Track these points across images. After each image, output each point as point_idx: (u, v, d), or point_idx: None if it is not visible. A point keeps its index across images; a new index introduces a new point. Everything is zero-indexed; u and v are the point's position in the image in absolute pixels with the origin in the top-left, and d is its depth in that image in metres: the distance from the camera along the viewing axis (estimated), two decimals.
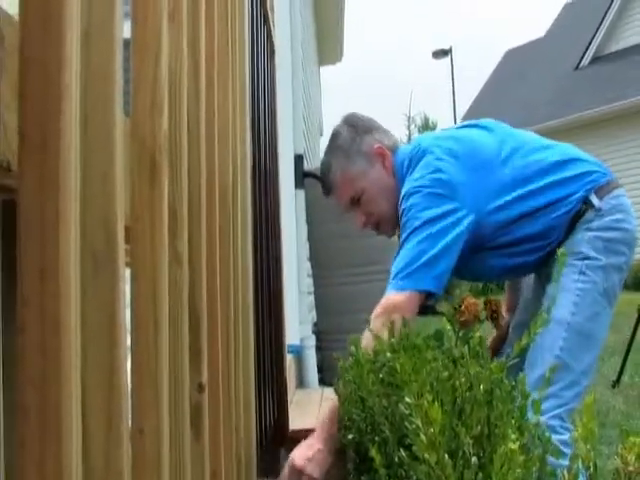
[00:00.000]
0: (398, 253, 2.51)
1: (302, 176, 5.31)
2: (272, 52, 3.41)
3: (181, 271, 1.09)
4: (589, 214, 2.54)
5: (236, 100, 1.78)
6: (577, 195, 2.56)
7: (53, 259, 0.62)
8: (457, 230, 2.49)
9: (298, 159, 5.28)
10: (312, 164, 8.37)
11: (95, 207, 0.73)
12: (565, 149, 2.69)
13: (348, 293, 5.77)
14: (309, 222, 5.71)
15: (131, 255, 0.94)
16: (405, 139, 19.53)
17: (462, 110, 27.50)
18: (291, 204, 5.14)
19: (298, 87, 5.33)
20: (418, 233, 2.48)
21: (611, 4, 22.06)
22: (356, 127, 2.85)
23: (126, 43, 0.89)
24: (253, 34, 2.50)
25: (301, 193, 5.39)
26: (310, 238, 5.86)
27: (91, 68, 0.74)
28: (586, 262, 2.49)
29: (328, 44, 13.50)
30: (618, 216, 2.55)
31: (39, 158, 0.62)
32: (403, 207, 2.56)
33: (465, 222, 2.51)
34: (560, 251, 1.84)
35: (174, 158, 1.01)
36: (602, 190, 2.58)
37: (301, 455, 2.17)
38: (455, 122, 23.11)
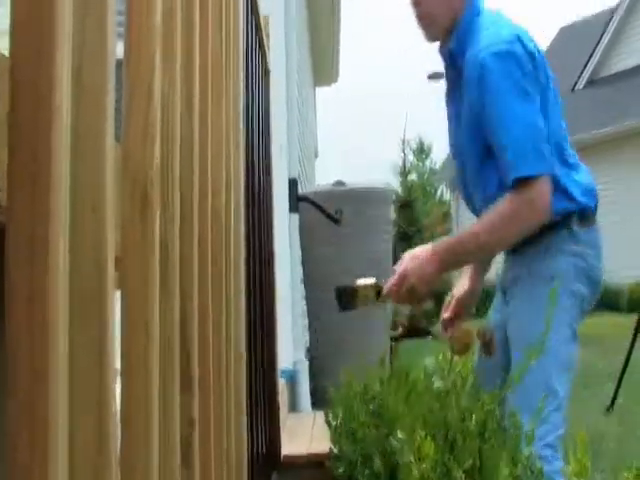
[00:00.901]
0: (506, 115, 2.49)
1: (296, 200, 5.32)
2: (267, 76, 3.42)
3: (172, 302, 1.08)
4: (564, 233, 2.56)
5: (230, 126, 1.77)
6: (575, 202, 2.58)
7: (41, 288, 0.62)
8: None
9: (292, 183, 5.28)
10: (307, 187, 8.38)
11: (85, 237, 0.73)
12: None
13: (342, 317, 5.76)
14: (303, 246, 5.71)
15: (121, 286, 0.94)
16: (400, 163, 19.57)
17: None
18: (285, 227, 5.14)
19: (293, 111, 5.34)
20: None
21: (607, 27, 22.19)
22: None
23: (119, 63, 0.89)
24: (248, 60, 2.51)
25: (295, 217, 5.39)
26: (305, 262, 5.86)
27: (84, 93, 0.74)
28: (555, 283, 2.48)
29: (324, 65, 13.56)
30: (591, 252, 2.59)
31: (29, 190, 0.62)
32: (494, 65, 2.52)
33: None
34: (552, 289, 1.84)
35: (166, 189, 1.00)
36: (586, 219, 2.60)
37: (414, 268, 2.51)
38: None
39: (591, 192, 2.63)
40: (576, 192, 2.57)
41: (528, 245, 2.57)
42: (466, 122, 2.64)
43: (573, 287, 2.53)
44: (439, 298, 13.54)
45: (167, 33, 1.03)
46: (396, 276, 2.58)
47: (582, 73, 22.79)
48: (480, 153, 2.61)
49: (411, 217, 17.32)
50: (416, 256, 2.56)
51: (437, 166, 21.88)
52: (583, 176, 2.64)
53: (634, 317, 6.65)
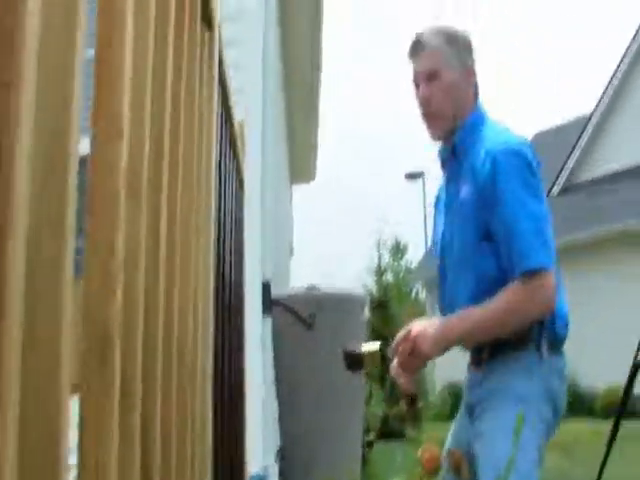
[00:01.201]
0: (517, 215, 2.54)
1: (270, 303, 5.31)
2: (241, 187, 3.46)
3: (132, 435, 1.08)
4: (534, 357, 2.56)
5: (199, 243, 1.79)
6: (553, 322, 2.59)
7: None
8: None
9: (266, 286, 5.28)
10: (282, 285, 8.39)
11: (40, 375, 0.73)
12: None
13: (315, 424, 5.71)
14: (276, 348, 5.68)
15: (79, 419, 0.94)
16: (376, 262, 19.65)
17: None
18: (257, 331, 5.12)
19: (267, 215, 5.39)
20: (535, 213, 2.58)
21: (582, 134, 22.56)
22: (467, 43, 2.88)
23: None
24: (221, 176, 2.54)
25: (268, 320, 5.38)
26: (277, 364, 5.83)
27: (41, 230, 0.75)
28: (524, 405, 2.48)
29: (301, 164, 13.72)
30: (557, 381, 2.60)
31: None
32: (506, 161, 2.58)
33: None
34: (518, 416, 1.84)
35: (128, 330, 1.01)
36: (556, 345, 2.63)
37: (424, 334, 2.58)
38: (426, 246, 23.34)
39: (565, 319, 2.66)
40: (557, 316, 2.60)
41: (498, 363, 2.58)
42: (465, 211, 2.67)
43: (542, 410, 2.53)
44: (412, 400, 13.40)
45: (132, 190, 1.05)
46: (406, 338, 2.65)
47: (557, 179, 23.08)
48: (475, 235, 2.63)
49: (386, 317, 17.28)
50: (425, 325, 2.64)
51: (413, 265, 22.00)
52: (562, 299, 2.66)
53: (608, 423, 6.59)
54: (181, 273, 1.53)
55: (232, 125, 2.93)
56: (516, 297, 2.49)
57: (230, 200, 2.91)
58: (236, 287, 3.22)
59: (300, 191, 17.48)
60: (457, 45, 2.81)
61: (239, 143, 3.22)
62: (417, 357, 2.64)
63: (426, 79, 2.79)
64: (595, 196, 21.07)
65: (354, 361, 2.83)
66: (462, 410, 2.80)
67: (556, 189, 22.92)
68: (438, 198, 2.98)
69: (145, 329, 1.15)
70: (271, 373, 5.78)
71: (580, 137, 22.56)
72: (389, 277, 21.03)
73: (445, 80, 2.77)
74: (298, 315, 5.38)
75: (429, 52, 2.79)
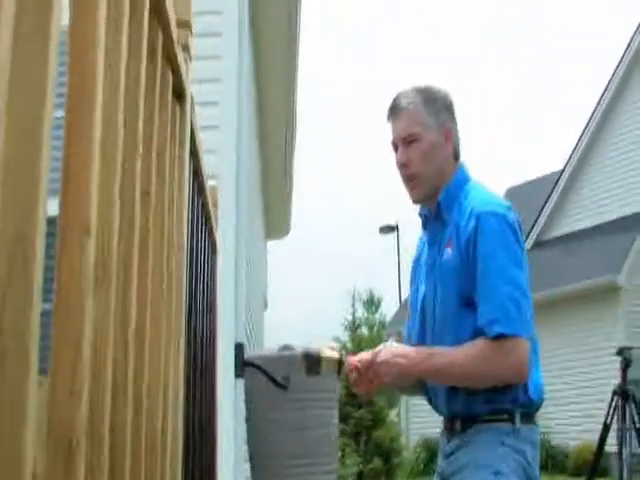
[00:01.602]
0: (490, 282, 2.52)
1: (242, 365, 5.26)
2: (214, 251, 3.45)
3: None
4: (508, 429, 2.54)
5: (171, 316, 1.78)
6: (528, 397, 2.57)
7: None
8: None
9: (238, 347, 5.24)
10: (254, 341, 8.33)
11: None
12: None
13: None
14: (249, 410, 5.62)
15: None
16: (350, 316, 19.61)
17: (408, 286, 27.72)
18: (230, 394, 5.07)
19: (241, 276, 5.37)
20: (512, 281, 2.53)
21: (552, 191, 22.77)
22: (447, 102, 2.85)
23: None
24: (193, 239, 2.54)
25: (241, 382, 5.32)
26: (249, 426, 5.75)
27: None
28: (497, 477, 2.46)
29: (276, 220, 13.75)
30: (530, 452, 2.57)
31: None
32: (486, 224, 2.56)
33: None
34: None
35: (94, 425, 0.99)
36: (529, 416, 2.61)
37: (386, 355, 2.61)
38: (400, 299, 23.32)
39: (540, 391, 2.64)
40: (531, 387, 2.58)
41: (470, 435, 2.56)
42: (447, 276, 2.63)
43: None
44: (386, 457, 13.32)
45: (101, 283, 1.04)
46: (368, 356, 2.69)
47: (529, 234, 23.23)
48: (457, 300, 2.60)
49: None
50: (392, 354, 2.63)
51: (387, 319, 21.98)
52: (538, 370, 2.65)
53: None
54: (150, 349, 1.51)
55: (204, 191, 2.93)
56: (492, 354, 2.46)
57: (203, 266, 2.90)
58: (208, 352, 3.19)
59: (275, 245, 17.48)
60: (435, 106, 2.78)
61: (211, 209, 3.22)
62: (375, 381, 2.71)
63: (404, 142, 2.76)
64: (566, 251, 21.21)
65: (312, 363, 2.83)
66: (436, 478, 2.77)
67: (528, 244, 23.05)
68: (418, 257, 2.94)
69: (112, 417, 1.13)
70: (243, 435, 5.71)
71: (552, 193, 22.78)
72: (364, 331, 20.98)
73: (424, 143, 2.73)
74: (272, 377, 5.31)
75: (407, 114, 2.77)
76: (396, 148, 2.81)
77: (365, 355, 2.73)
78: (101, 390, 1.05)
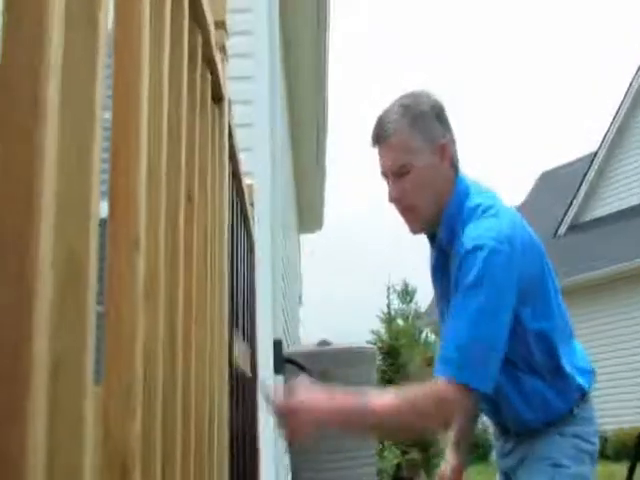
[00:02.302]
0: (452, 321, 2.31)
1: (282, 362, 5.27)
2: (251, 250, 3.44)
3: None
4: (565, 416, 2.49)
5: (214, 321, 1.77)
6: (579, 390, 2.52)
7: None
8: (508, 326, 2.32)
9: (277, 344, 5.25)
10: (291, 338, 8.34)
11: None
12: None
13: (327, 478, 5.63)
14: None
15: None
16: (385, 308, 19.53)
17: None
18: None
19: (277, 273, 5.38)
20: (477, 315, 2.26)
21: (588, 172, 22.56)
22: (436, 110, 2.54)
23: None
24: (233, 241, 2.53)
25: (280, 379, 5.34)
26: None
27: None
28: (557, 469, 2.42)
29: (309, 215, 13.75)
30: (590, 429, 2.52)
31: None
32: (467, 258, 2.31)
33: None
34: None
35: (147, 456, 0.98)
36: (584, 398, 2.55)
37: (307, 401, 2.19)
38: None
39: (589, 373, 2.60)
40: (580, 380, 2.53)
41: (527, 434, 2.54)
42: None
43: (576, 471, 2.46)
44: (424, 447, 13.28)
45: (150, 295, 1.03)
46: (291, 411, 2.23)
47: (563, 218, 23.05)
48: None
49: (397, 364, 17.20)
50: (313, 406, 2.24)
51: (422, 309, 21.88)
52: (580, 357, 2.61)
53: (621, 465, 6.54)
54: (196, 356, 1.51)
55: (242, 191, 2.92)
56: (425, 406, 2.24)
57: (242, 266, 2.89)
58: (250, 352, 3.19)
59: (309, 239, 17.47)
60: (424, 121, 2.50)
61: (249, 208, 3.21)
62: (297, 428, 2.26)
63: (395, 175, 2.50)
64: (602, 234, 21.03)
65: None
66: (499, 477, 2.74)
67: (563, 228, 22.89)
68: (434, 268, 2.71)
69: (163, 429, 1.12)
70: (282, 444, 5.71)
71: (586, 175, 22.57)
72: (399, 322, 20.91)
73: (416, 172, 2.47)
74: (311, 373, 5.31)
75: (394, 143, 2.49)
76: (387, 177, 2.54)
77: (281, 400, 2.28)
78: (152, 404, 1.05)
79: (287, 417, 2.22)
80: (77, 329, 0.75)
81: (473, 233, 2.35)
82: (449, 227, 2.49)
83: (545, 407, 2.49)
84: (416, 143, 2.47)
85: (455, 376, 2.22)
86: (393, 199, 2.53)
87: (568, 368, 2.51)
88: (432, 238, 2.65)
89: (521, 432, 2.56)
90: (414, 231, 2.61)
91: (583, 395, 2.54)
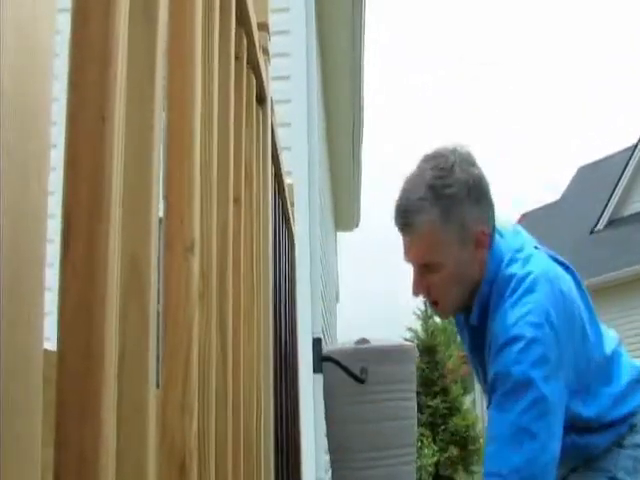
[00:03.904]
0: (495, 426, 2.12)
1: (320, 360, 5.29)
2: (292, 249, 3.46)
3: None
4: (623, 430, 2.36)
5: (260, 317, 1.79)
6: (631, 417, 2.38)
7: None
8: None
9: (316, 342, 5.26)
10: (329, 335, 8.36)
11: None
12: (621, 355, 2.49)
13: (369, 477, 5.63)
14: (326, 404, 5.64)
15: None
16: (422, 306, 19.50)
17: None
18: (309, 390, 5.10)
19: (316, 271, 5.39)
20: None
21: (626, 166, 22.33)
22: (472, 188, 2.26)
23: None
24: (276, 240, 2.55)
25: (319, 377, 5.35)
26: (327, 420, 5.78)
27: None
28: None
29: (345, 212, 13.76)
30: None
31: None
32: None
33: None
34: None
35: (203, 455, 1.00)
36: None
37: None
38: None
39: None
40: (628, 408, 2.38)
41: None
42: None
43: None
44: (463, 444, 13.23)
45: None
46: None
47: (602, 213, 22.84)
48: None
49: (434, 361, 17.18)
50: None
51: None
52: (625, 374, 2.44)
53: None
54: (244, 354, 1.52)
55: (284, 191, 2.94)
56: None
57: (284, 266, 2.91)
58: (290, 349, 3.21)
59: (346, 237, 17.47)
60: (456, 208, 2.24)
61: (289, 207, 3.23)
62: None
63: (422, 270, 2.32)
64: (639, 230, 20.82)
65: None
66: None
67: (602, 223, 22.68)
68: (469, 348, 2.55)
69: (216, 427, 1.14)
70: (323, 429, 5.73)
71: (625, 169, 22.34)
72: (436, 320, 20.85)
73: (446, 270, 2.28)
74: (350, 371, 5.32)
75: (423, 238, 2.28)
76: (411, 263, 2.36)
77: None
78: (207, 403, 1.06)
79: None
80: (139, 329, 0.77)
81: (510, 320, 2.16)
82: (480, 306, 2.33)
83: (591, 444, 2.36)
84: (448, 237, 2.26)
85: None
86: (417, 293, 2.37)
87: (617, 413, 2.35)
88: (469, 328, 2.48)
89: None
90: (442, 317, 2.57)
91: None
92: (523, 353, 2.10)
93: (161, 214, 0.98)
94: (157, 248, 0.81)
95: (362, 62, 8.71)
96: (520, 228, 2.52)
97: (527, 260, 2.28)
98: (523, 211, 29.78)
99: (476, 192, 2.27)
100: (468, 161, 2.30)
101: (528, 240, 2.44)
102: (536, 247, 2.41)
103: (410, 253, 2.33)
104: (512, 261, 2.28)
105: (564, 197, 28.05)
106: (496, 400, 2.15)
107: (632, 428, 2.38)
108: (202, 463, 1.00)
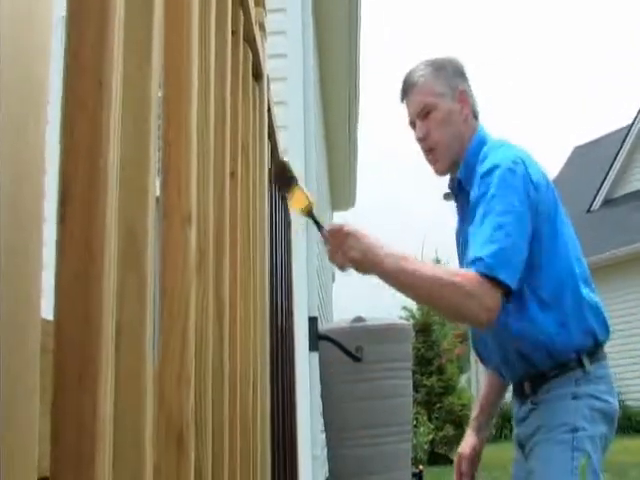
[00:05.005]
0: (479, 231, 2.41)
1: (316, 338, 5.30)
2: (288, 226, 3.46)
3: None
4: (578, 375, 2.47)
5: (257, 294, 1.80)
6: (595, 337, 2.51)
7: None
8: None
9: (312, 321, 5.27)
10: (324, 314, 8.37)
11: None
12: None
13: (364, 455, 5.66)
14: (322, 383, 5.66)
15: None
16: None
17: None
18: (305, 368, 5.11)
19: (312, 250, 5.40)
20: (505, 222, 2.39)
21: (622, 146, 22.34)
22: (457, 67, 2.81)
23: None
24: (272, 219, 2.55)
25: (315, 355, 5.36)
26: (323, 398, 5.80)
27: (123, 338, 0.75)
28: (575, 434, 2.40)
29: (341, 191, 13.75)
30: (603, 387, 2.49)
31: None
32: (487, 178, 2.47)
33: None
34: None
35: (200, 428, 1.01)
36: (597, 354, 2.52)
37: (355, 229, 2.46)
38: None
39: (606, 326, 2.57)
40: (597, 328, 2.52)
41: (542, 395, 2.52)
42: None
43: (593, 432, 2.44)
44: (458, 423, 13.28)
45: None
46: (338, 231, 2.49)
47: (598, 193, 22.87)
48: None
49: (429, 340, 17.22)
50: (361, 236, 2.47)
51: None
52: (599, 309, 2.57)
53: None
54: (241, 327, 1.53)
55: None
56: (467, 286, 2.33)
57: (280, 243, 2.92)
58: (286, 327, 3.22)
59: (341, 216, 17.46)
60: (445, 72, 2.76)
61: None
62: (344, 253, 2.47)
63: (421, 116, 2.74)
64: (634, 210, 20.85)
65: (283, 183, 2.62)
66: (515, 446, 2.73)
67: (597, 202, 22.70)
68: (458, 231, 2.85)
69: (213, 399, 1.15)
70: (318, 407, 5.75)
71: (620, 149, 22.34)
72: None
73: (439, 111, 2.71)
74: (346, 349, 5.34)
75: (419, 88, 2.75)
76: (414, 126, 2.78)
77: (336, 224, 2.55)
78: (203, 374, 1.07)
79: (336, 238, 2.47)
80: (137, 299, 0.77)
81: (489, 159, 2.54)
82: (468, 165, 2.66)
83: (549, 342, 2.46)
84: (439, 88, 2.72)
85: (485, 271, 2.32)
86: (418, 138, 2.75)
87: (587, 297, 2.52)
88: (455, 196, 2.83)
89: (534, 382, 2.54)
90: (438, 171, 2.79)
91: (596, 346, 2.52)
92: (501, 176, 2.45)
93: (158, 187, 0.99)
94: (154, 219, 0.81)
95: (358, 38, 8.68)
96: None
97: (505, 145, 2.65)
98: None
99: (462, 71, 2.81)
100: (453, 59, 2.85)
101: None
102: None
103: (411, 107, 2.77)
104: (496, 142, 2.68)
105: (560, 177, 28.03)
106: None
107: (586, 375, 2.47)
108: (199, 434, 1.01)
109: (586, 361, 2.48)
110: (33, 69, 0.52)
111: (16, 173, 0.48)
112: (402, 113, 2.82)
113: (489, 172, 2.49)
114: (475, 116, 2.78)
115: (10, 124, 0.47)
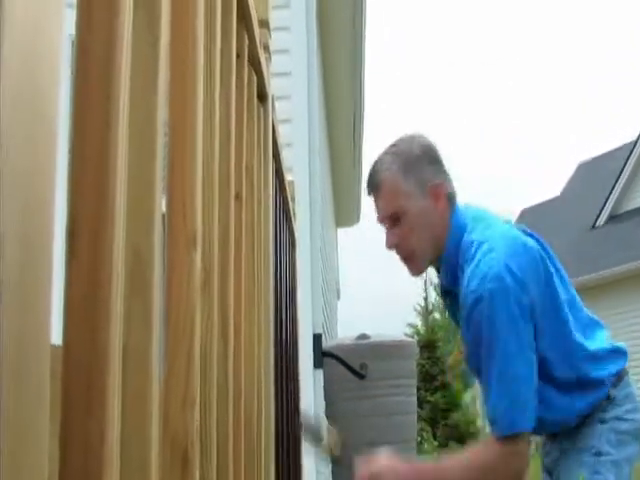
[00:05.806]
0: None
1: (321, 356, 5.31)
2: (293, 245, 3.47)
3: None
4: (603, 404, 2.47)
5: (261, 313, 1.80)
6: (605, 383, 2.49)
7: None
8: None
9: (317, 338, 5.28)
10: (329, 331, 8.37)
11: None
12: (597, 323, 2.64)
13: None
14: (327, 400, 5.66)
15: None
16: (422, 302, 19.54)
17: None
18: (310, 384, 5.12)
19: (317, 267, 5.41)
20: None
21: (626, 162, 22.33)
22: (426, 152, 2.60)
23: None
24: (277, 238, 2.56)
25: (320, 372, 5.37)
26: (328, 415, 5.80)
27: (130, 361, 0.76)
28: (598, 458, 2.40)
29: (345, 207, 13.77)
30: (628, 406, 2.49)
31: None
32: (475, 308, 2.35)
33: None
34: None
35: (205, 447, 1.01)
36: (617, 377, 2.52)
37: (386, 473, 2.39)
38: None
39: (619, 353, 2.58)
40: (604, 372, 2.50)
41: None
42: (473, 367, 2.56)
43: (618, 456, 2.44)
44: (462, 440, 13.26)
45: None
46: (370, 470, 2.45)
47: (602, 209, 22.85)
48: None
49: (434, 357, 17.20)
50: (395, 467, 2.45)
51: None
52: (602, 341, 2.57)
53: None
54: (245, 347, 1.54)
55: (285, 187, 2.95)
56: (492, 461, 2.37)
57: (285, 262, 2.92)
58: (291, 345, 3.23)
59: (346, 233, 17.48)
60: (414, 166, 2.55)
61: (290, 202, 3.25)
62: None
63: (390, 222, 2.57)
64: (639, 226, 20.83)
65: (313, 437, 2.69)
66: (543, 475, 2.72)
67: (602, 219, 22.68)
68: (464, 357, 2.76)
69: (218, 418, 1.16)
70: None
71: (625, 165, 22.34)
72: (436, 315, 20.86)
73: (410, 216, 2.52)
74: (350, 367, 5.36)
75: (386, 190, 2.56)
76: (383, 224, 2.63)
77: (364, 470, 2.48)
78: (208, 393, 1.08)
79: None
80: (143, 323, 0.78)
81: (472, 285, 2.36)
82: (448, 270, 2.55)
83: (577, 414, 2.48)
84: (408, 187, 2.53)
85: (505, 433, 2.32)
86: (390, 246, 2.60)
87: (594, 373, 2.49)
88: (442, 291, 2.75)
89: (561, 432, 2.56)
90: (415, 274, 2.68)
91: (617, 374, 2.51)
92: (488, 314, 2.31)
93: (164, 210, 1.00)
94: (161, 242, 0.82)
95: (363, 57, 8.72)
96: (490, 211, 2.69)
97: (488, 226, 2.49)
98: (523, 207, 29.77)
99: (432, 156, 2.61)
100: (424, 138, 2.67)
101: (495, 216, 2.62)
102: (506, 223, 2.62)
103: (379, 208, 2.61)
104: (474, 229, 2.49)
105: (564, 193, 28.05)
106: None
107: (610, 401, 2.47)
108: (204, 454, 1.01)
109: (611, 390, 2.49)
110: (44, 105, 0.53)
111: (26, 204, 0.49)
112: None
113: (474, 306, 2.36)
114: (452, 204, 2.59)
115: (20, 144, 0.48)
